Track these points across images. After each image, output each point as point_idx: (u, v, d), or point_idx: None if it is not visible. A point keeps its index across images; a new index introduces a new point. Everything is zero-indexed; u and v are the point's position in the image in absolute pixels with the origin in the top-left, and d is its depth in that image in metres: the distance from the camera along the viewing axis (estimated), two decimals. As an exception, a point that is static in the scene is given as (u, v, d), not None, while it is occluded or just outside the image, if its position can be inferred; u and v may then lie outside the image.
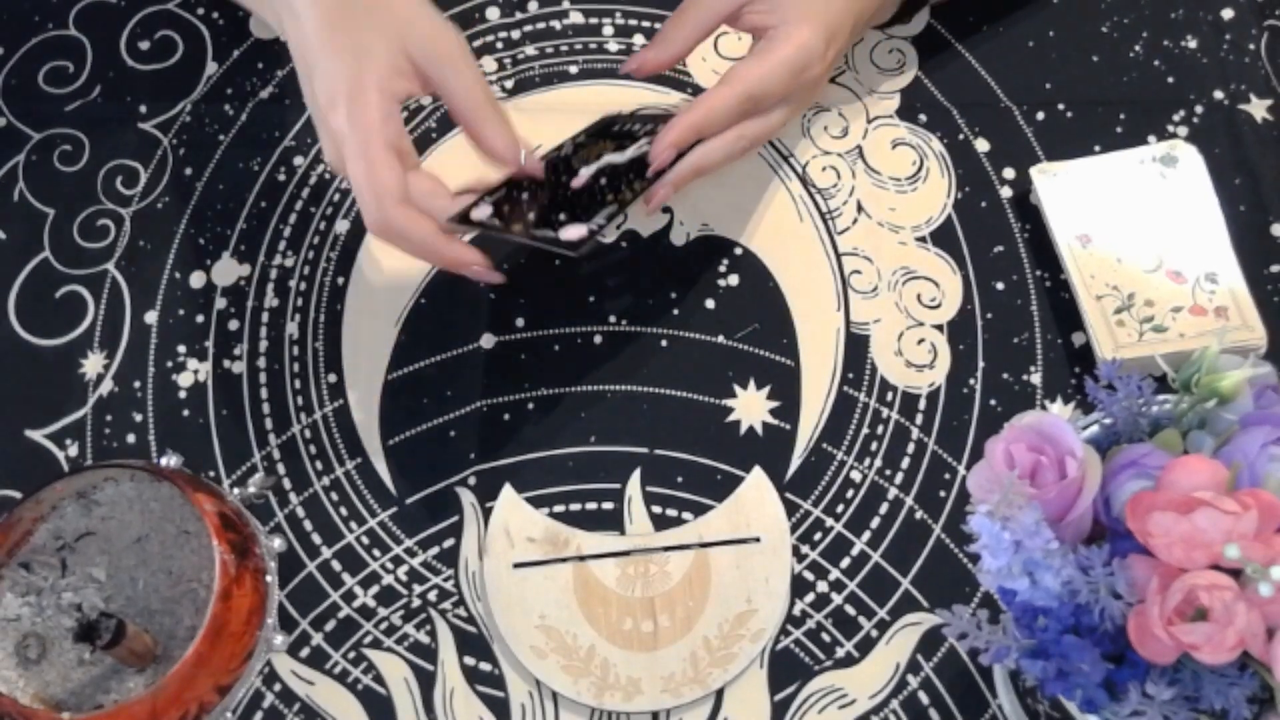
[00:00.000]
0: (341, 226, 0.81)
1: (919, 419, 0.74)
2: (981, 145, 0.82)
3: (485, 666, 0.70)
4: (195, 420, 0.76)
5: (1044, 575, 0.50)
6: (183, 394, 0.77)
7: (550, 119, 0.83)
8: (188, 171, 0.83)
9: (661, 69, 0.74)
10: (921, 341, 0.76)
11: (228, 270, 0.80)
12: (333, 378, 0.77)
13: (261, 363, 0.78)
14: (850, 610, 0.70)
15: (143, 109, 0.85)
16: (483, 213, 0.67)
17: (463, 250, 0.66)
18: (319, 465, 0.75)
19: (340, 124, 0.64)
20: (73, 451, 0.76)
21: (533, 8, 0.87)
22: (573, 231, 0.65)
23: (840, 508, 0.73)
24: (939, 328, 0.77)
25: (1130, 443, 0.56)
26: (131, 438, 0.76)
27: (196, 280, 0.80)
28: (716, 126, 0.70)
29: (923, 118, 0.82)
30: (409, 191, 0.65)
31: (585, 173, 0.70)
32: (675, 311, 0.77)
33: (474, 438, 0.75)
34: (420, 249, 0.65)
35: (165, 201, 0.82)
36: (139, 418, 0.76)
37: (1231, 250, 0.74)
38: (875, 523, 0.72)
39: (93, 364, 0.78)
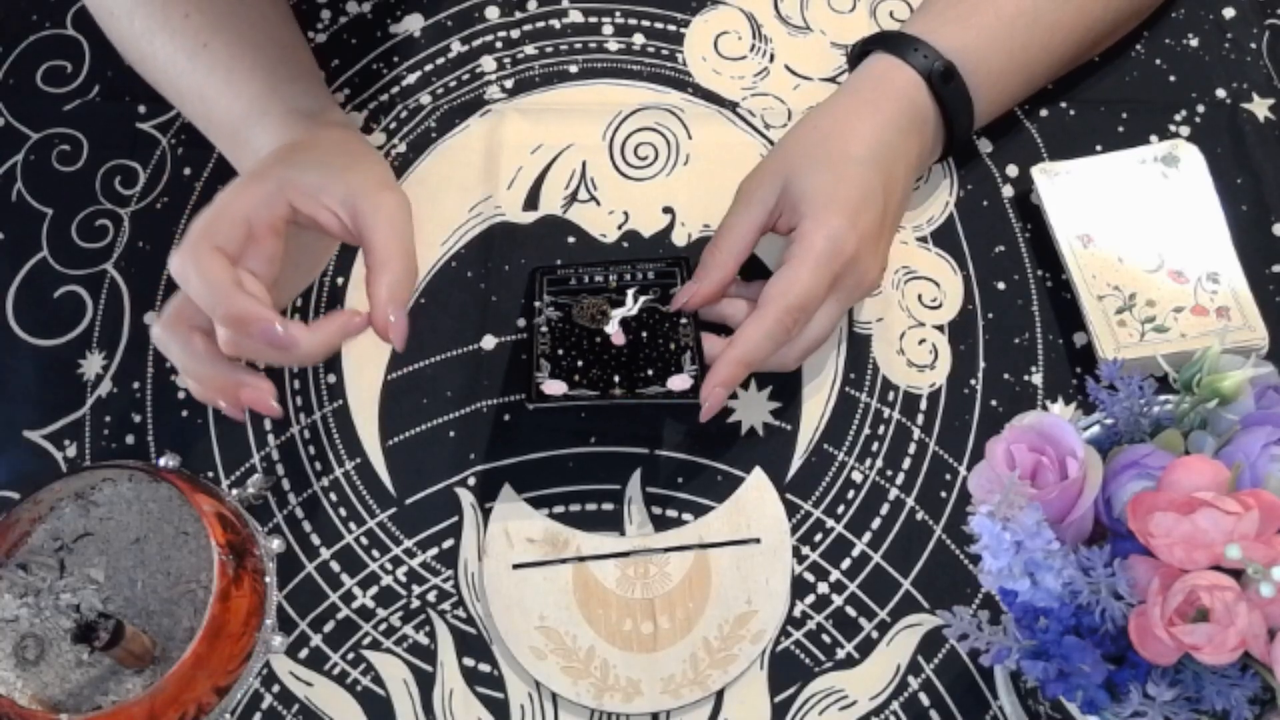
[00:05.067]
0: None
1: (920, 419, 0.74)
2: (983, 144, 0.81)
3: (484, 668, 0.70)
4: (194, 421, 0.76)
5: (1045, 576, 0.50)
6: (181, 394, 0.77)
7: (551, 119, 0.83)
8: (186, 171, 0.83)
9: (711, 300, 0.71)
10: (923, 342, 0.76)
11: (227, 270, 0.80)
12: (332, 378, 0.77)
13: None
14: (851, 611, 0.70)
15: (141, 109, 0.85)
16: (557, 388, 0.69)
17: (253, 304, 0.61)
18: (318, 466, 0.75)
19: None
20: (71, 452, 0.76)
21: (532, 7, 0.87)
22: (679, 382, 0.69)
23: (841, 509, 0.72)
24: (940, 328, 0.77)
25: (1131, 443, 0.56)
26: (130, 438, 0.76)
27: (195, 280, 0.80)
28: (766, 353, 0.68)
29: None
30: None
31: (617, 324, 0.72)
32: (675, 311, 0.77)
33: (474, 438, 0.75)
34: (208, 293, 0.61)
35: (164, 202, 0.82)
36: (138, 418, 0.76)
37: (1233, 250, 0.74)
38: (876, 524, 0.72)
39: (91, 364, 0.78)
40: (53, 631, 0.68)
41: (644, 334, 0.72)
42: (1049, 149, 0.81)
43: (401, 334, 0.64)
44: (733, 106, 0.83)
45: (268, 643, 0.70)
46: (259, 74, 0.73)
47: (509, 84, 0.85)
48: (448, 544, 0.72)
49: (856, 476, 0.73)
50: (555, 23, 0.87)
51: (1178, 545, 0.48)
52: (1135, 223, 0.75)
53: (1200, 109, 0.82)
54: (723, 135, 0.82)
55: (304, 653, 0.70)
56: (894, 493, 0.73)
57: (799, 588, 0.71)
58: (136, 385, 0.77)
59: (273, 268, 0.64)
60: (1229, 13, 0.85)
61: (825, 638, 0.70)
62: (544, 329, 0.72)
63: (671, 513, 0.72)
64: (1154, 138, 0.80)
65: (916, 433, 0.74)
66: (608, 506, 0.73)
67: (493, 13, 0.87)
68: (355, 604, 0.71)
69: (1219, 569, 0.47)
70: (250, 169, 0.68)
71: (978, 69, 0.73)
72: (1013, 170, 0.81)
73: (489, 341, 0.77)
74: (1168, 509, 0.48)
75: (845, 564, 0.71)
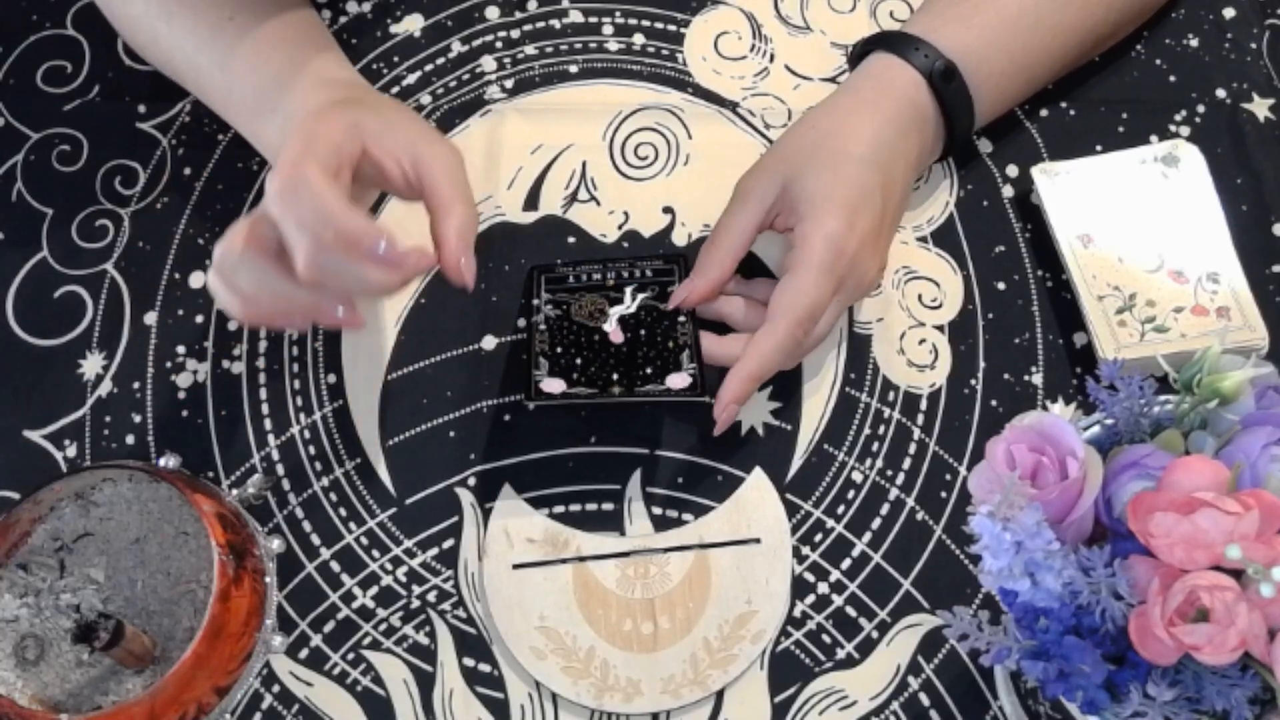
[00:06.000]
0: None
1: (920, 419, 0.74)
2: (983, 144, 0.81)
3: (485, 668, 0.70)
4: (194, 421, 0.76)
5: (1045, 576, 0.50)
6: (182, 395, 0.77)
7: (551, 119, 0.83)
8: (187, 171, 0.83)
9: (708, 297, 0.71)
10: (923, 342, 0.76)
11: (227, 270, 0.80)
12: (332, 378, 0.77)
13: (261, 363, 0.77)
14: (851, 611, 0.70)
15: (141, 109, 0.85)
16: (556, 386, 0.69)
17: (368, 221, 0.60)
18: (318, 466, 0.75)
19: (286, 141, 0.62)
20: (71, 452, 0.76)
21: (532, 7, 0.87)
22: (678, 380, 0.69)
23: (841, 509, 0.72)
24: (940, 328, 0.77)
25: (1132, 443, 0.56)
26: (130, 438, 0.76)
27: (195, 280, 0.80)
28: (777, 365, 0.68)
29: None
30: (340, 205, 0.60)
31: (615, 322, 0.73)
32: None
33: (474, 438, 0.75)
34: (321, 211, 0.59)
35: (164, 201, 0.82)
36: (138, 418, 0.76)
37: (1233, 250, 0.74)
38: (876, 524, 0.72)
39: (91, 364, 0.78)
40: (53, 631, 0.68)
41: (642, 332, 0.72)
42: (1049, 149, 0.81)
43: (472, 274, 0.64)
44: (733, 106, 0.83)
45: (268, 643, 0.70)
46: (287, 45, 0.73)
47: (509, 84, 0.85)
48: (448, 544, 0.72)
49: (856, 476, 0.73)
50: (555, 23, 0.87)
51: (1178, 545, 0.48)
52: (1135, 223, 0.75)
53: (1200, 109, 0.82)
54: (723, 135, 0.82)
55: (304, 653, 0.70)
56: (894, 493, 0.73)
57: (799, 588, 0.71)
58: (136, 385, 0.77)
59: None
60: (1229, 13, 0.85)
61: (825, 638, 0.70)
62: (542, 327, 0.72)
63: (671, 513, 0.72)
64: (1154, 138, 0.80)
65: (917, 433, 0.74)
66: (608, 506, 0.73)
67: (493, 13, 0.87)
68: (355, 604, 0.71)
69: (1219, 569, 0.47)
70: (312, 110, 0.66)
71: (979, 69, 0.73)
72: (1013, 170, 0.81)
73: (489, 341, 0.77)
74: (1168, 509, 0.48)
75: (845, 564, 0.71)
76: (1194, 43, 0.84)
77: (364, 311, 0.63)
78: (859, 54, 0.77)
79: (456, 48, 0.86)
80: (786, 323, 0.67)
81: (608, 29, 0.86)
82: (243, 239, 0.62)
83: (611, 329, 0.72)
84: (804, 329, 0.67)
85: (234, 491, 0.74)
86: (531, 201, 0.81)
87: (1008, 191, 0.80)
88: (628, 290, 0.74)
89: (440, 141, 0.66)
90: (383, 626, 0.71)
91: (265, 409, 0.76)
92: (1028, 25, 0.74)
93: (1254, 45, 0.84)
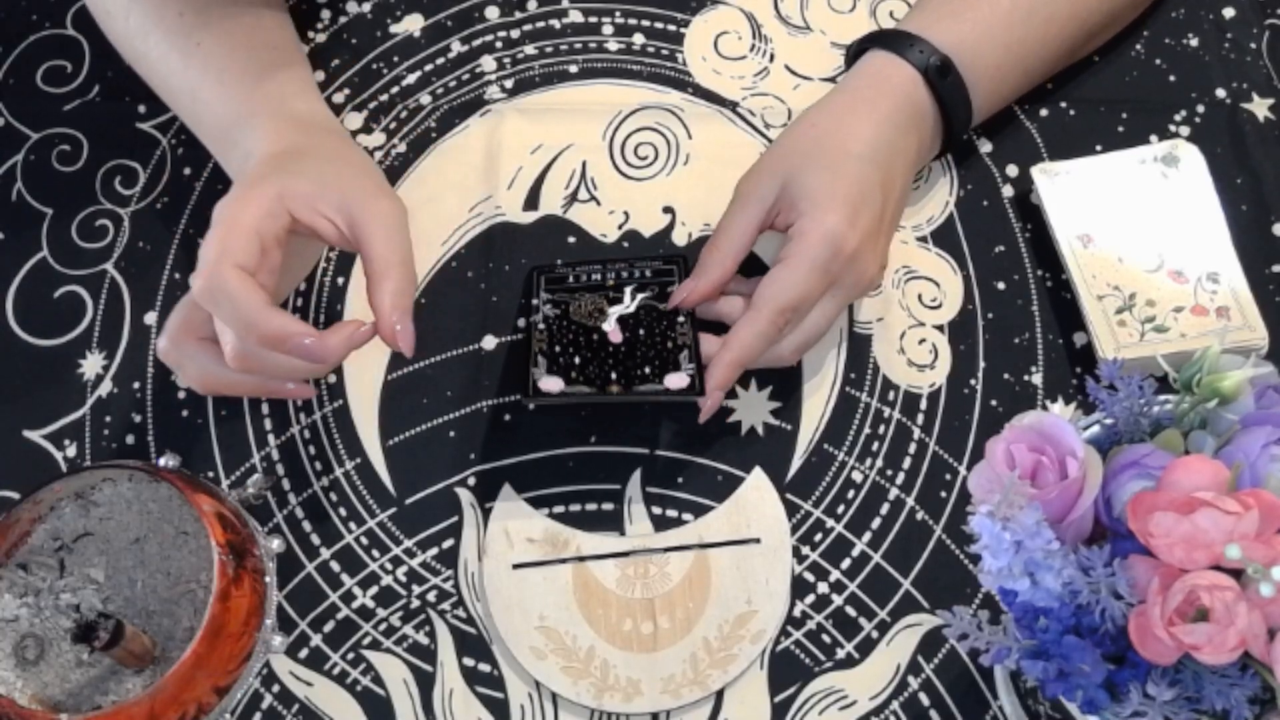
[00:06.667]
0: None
1: (920, 419, 0.74)
2: (983, 144, 0.81)
3: (484, 667, 0.70)
4: (194, 421, 0.76)
5: (1045, 576, 0.50)
6: (182, 394, 0.77)
7: (551, 119, 0.83)
8: (186, 171, 0.83)
9: (709, 297, 0.71)
10: (923, 342, 0.76)
11: (227, 270, 0.80)
12: (332, 378, 0.77)
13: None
14: (851, 611, 0.70)
15: (141, 109, 0.85)
16: (554, 384, 0.69)
17: (289, 321, 0.62)
18: (318, 466, 0.75)
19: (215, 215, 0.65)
20: (71, 452, 0.76)
21: (532, 7, 0.87)
22: (676, 380, 0.69)
23: (841, 508, 0.72)
24: (940, 328, 0.77)
25: (1131, 443, 0.56)
26: (130, 438, 0.76)
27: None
28: (758, 353, 0.68)
29: (923, 117, 0.82)
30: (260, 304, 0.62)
31: (614, 322, 0.73)
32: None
33: (474, 438, 0.75)
34: (241, 316, 0.62)
35: (164, 202, 0.82)
36: (138, 418, 0.76)
37: (1233, 250, 0.74)
38: (876, 523, 0.72)
39: (91, 364, 0.78)
40: (53, 631, 0.68)
41: (641, 332, 0.72)
42: (1049, 149, 0.81)
43: (409, 341, 0.65)
44: (733, 106, 0.83)
45: (268, 643, 0.70)
46: (250, 75, 0.74)
47: (509, 84, 0.85)
48: (448, 544, 0.72)
49: (856, 476, 0.73)
50: (555, 23, 0.87)
51: (1178, 545, 0.48)
52: (1135, 223, 0.75)
53: (1200, 109, 0.82)
54: (723, 135, 0.82)
55: (304, 653, 0.70)
56: (894, 492, 0.73)
57: (799, 587, 0.71)
58: (136, 385, 0.77)
59: (274, 278, 0.65)
60: (1229, 13, 0.85)
61: (825, 638, 0.70)
62: (541, 326, 0.73)
63: (671, 513, 0.72)
64: (1154, 138, 0.80)
65: (916, 432, 0.74)
66: (608, 506, 0.73)
67: (493, 13, 0.87)
68: (355, 604, 0.71)
69: (1219, 569, 0.47)
70: (244, 177, 0.68)
71: (974, 63, 0.73)
72: (1013, 170, 0.81)
73: (489, 341, 0.77)
74: (1168, 509, 0.48)
75: (845, 564, 0.71)
76: (1194, 42, 0.84)
77: (368, 307, 0.65)
78: (855, 53, 0.77)
79: (456, 48, 0.86)
80: (768, 312, 0.67)
81: (608, 29, 0.86)
82: (178, 330, 0.66)
83: (610, 328, 0.72)
84: (785, 319, 0.68)
85: (234, 491, 0.74)
86: (531, 201, 0.81)
87: (1008, 191, 0.80)
88: (627, 290, 0.74)
89: (378, 197, 0.67)
90: (383, 626, 0.71)
91: (265, 409, 0.76)
92: (1021, 18, 0.74)
93: (1254, 45, 0.84)
